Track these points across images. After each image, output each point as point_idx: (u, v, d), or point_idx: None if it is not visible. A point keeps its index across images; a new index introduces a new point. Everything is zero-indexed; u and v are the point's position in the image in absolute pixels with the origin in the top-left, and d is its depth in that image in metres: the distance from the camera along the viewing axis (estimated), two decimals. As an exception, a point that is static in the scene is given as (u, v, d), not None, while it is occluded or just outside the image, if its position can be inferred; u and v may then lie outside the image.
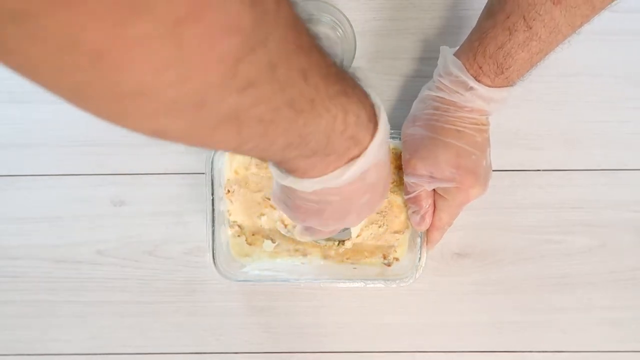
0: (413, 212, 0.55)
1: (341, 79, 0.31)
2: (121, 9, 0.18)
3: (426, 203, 0.54)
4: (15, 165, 0.61)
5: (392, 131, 0.57)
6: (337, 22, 0.58)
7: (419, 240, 0.56)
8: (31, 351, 0.63)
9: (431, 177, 0.52)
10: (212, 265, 0.56)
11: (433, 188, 0.53)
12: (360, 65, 0.60)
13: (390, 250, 0.59)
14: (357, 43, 0.57)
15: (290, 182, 0.36)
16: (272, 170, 0.38)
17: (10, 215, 0.62)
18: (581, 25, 0.45)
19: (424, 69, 0.60)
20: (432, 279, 0.61)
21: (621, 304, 0.61)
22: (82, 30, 0.18)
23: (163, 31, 0.19)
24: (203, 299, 0.62)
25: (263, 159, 0.37)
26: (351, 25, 0.56)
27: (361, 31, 0.59)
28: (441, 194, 0.53)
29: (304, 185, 0.36)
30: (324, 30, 0.59)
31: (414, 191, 0.54)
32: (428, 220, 0.55)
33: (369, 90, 0.35)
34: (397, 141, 0.56)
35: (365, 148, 0.35)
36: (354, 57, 0.57)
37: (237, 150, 0.30)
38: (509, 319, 0.62)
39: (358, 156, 0.35)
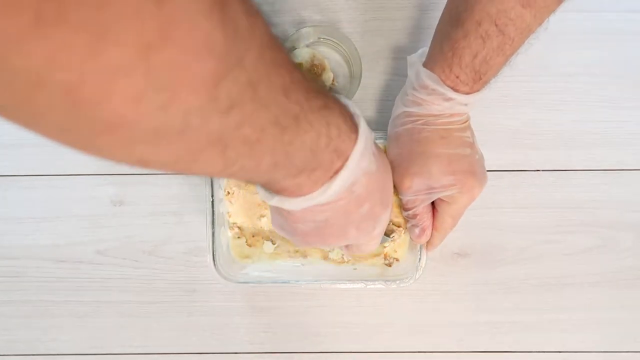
0: (412, 226, 0.54)
1: (321, 93, 0.32)
2: (88, 40, 0.18)
3: (427, 217, 0.53)
4: (15, 165, 0.61)
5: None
6: (339, 43, 0.57)
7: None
8: (31, 351, 0.63)
9: (429, 190, 0.50)
10: (213, 267, 0.56)
11: (433, 200, 0.52)
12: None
13: (390, 250, 0.59)
14: (357, 43, 0.57)
15: (277, 202, 0.36)
16: (260, 192, 0.37)
17: (10, 215, 0.62)
18: (548, 18, 0.44)
19: (424, 69, 0.60)
20: (432, 279, 0.61)
21: (621, 304, 0.61)
22: (50, 64, 0.18)
23: (134, 58, 0.19)
24: (203, 299, 0.62)
25: (249, 182, 0.36)
26: (356, 49, 0.56)
27: (361, 31, 0.59)
28: (444, 199, 0.51)
29: (291, 204, 0.35)
30: (327, 50, 0.59)
31: (413, 207, 0.52)
32: (428, 232, 0.54)
33: (346, 101, 0.35)
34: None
35: (347, 159, 0.34)
36: (360, 76, 0.57)
37: (222, 173, 0.29)
38: (509, 319, 0.62)
39: (342, 168, 0.34)
